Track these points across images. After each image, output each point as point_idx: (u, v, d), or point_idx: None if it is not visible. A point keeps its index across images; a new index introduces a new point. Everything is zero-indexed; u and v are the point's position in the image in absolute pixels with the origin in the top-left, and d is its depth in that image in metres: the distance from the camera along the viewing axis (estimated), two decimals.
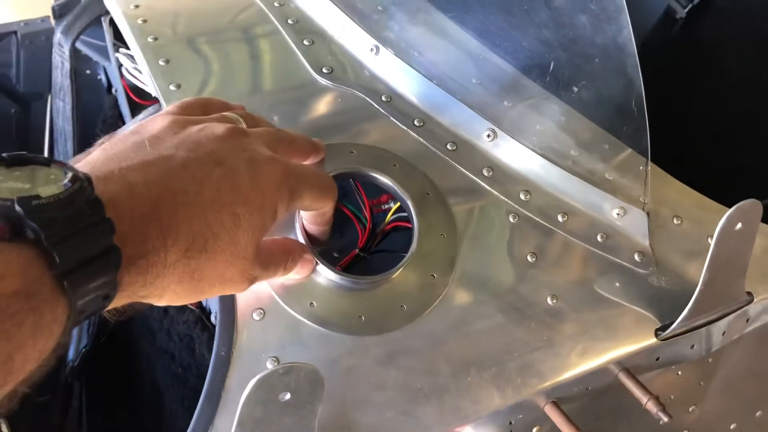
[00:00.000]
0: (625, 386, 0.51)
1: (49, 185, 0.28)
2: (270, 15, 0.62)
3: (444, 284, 0.49)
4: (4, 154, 0.29)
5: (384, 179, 0.51)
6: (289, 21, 0.61)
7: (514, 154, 0.55)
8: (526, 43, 0.54)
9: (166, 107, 0.40)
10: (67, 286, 0.27)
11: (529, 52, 0.54)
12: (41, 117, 1.05)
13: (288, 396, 0.38)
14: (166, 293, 0.33)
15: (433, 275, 0.49)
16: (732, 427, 0.68)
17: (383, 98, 0.56)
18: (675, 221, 0.57)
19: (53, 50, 0.75)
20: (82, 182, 0.28)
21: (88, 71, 1.00)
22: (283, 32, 0.60)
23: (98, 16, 0.74)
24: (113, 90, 0.91)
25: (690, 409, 0.61)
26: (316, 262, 0.46)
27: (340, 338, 0.46)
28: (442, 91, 0.56)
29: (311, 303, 0.46)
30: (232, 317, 0.44)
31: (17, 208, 0.26)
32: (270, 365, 0.44)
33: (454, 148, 0.55)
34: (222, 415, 0.42)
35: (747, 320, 0.57)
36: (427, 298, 0.48)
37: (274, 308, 0.46)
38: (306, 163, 0.46)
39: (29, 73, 1.06)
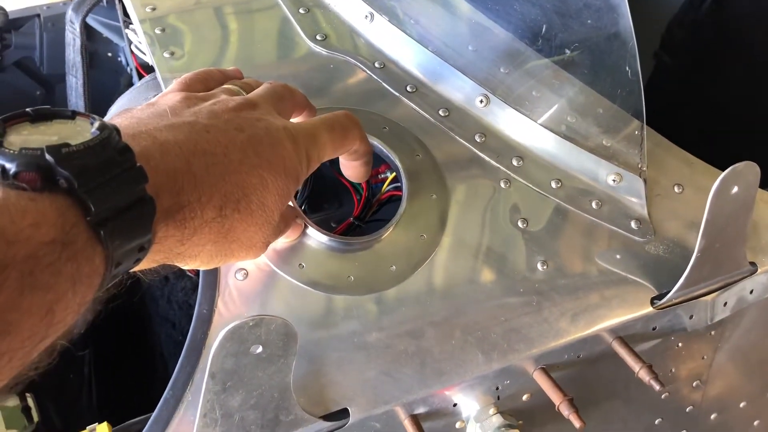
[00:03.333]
0: (618, 355, 0.50)
1: (75, 137, 0.27)
2: None
3: (435, 244, 0.49)
4: (28, 109, 0.28)
5: (374, 141, 0.51)
6: None
7: (507, 120, 0.54)
8: (520, 8, 0.53)
9: (170, 86, 0.40)
10: (104, 234, 0.26)
11: (524, 16, 0.53)
12: (66, 98, 1.07)
13: (260, 349, 0.38)
14: (202, 253, 0.34)
15: (423, 235, 0.49)
16: (742, 405, 0.66)
17: (376, 65, 0.56)
18: (676, 189, 0.56)
19: (66, 28, 0.77)
20: (110, 131, 0.28)
21: (109, 54, 1.02)
22: (279, 1, 0.60)
23: None
24: (128, 69, 0.92)
25: (694, 384, 0.59)
26: (306, 225, 0.47)
27: (326, 298, 0.46)
28: (436, 57, 0.55)
29: (300, 264, 0.46)
30: (215, 275, 0.45)
31: (48, 156, 0.25)
32: None
33: (447, 114, 0.54)
34: (202, 370, 0.43)
35: (751, 291, 0.55)
36: (417, 257, 0.48)
37: (258, 269, 0.46)
38: (303, 117, 0.46)
39: (53, 55, 1.08)
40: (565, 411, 0.46)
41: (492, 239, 0.50)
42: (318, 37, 0.57)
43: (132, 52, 0.79)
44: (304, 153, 0.39)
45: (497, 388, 0.49)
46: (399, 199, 0.56)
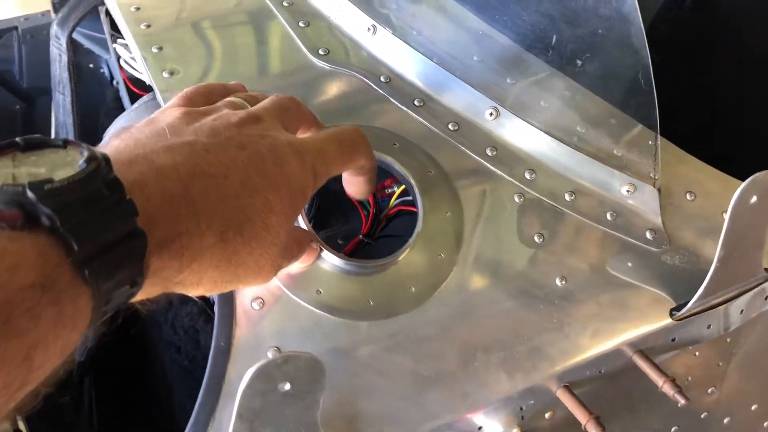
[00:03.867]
0: (640, 369, 0.50)
1: (65, 168, 0.26)
2: None
3: (452, 263, 0.48)
4: (18, 139, 0.27)
5: (385, 159, 0.50)
6: (284, 3, 0.60)
7: (518, 133, 0.53)
8: (527, 17, 0.52)
9: (171, 101, 0.38)
10: (88, 274, 0.25)
11: (531, 26, 0.52)
12: (47, 112, 1.04)
13: (288, 386, 0.36)
14: (204, 280, 0.32)
15: (440, 254, 0.48)
16: (753, 408, 0.66)
17: (382, 79, 0.55)
18: (688, 197, 0.55)
19: (51, 43, 0.75)
20: (98, 162, 0.27)
21: (91, 65, 0.99)
22: (278, 15, 0.59)
23: (94, 6, 0.72)
24: (114, 82, 0.90)
25: (709, 390, 0.59)
26: (321, 249, 0.45)
27: (345, 325, 0.45)
28: (442, 70, 0.54)
29: (318, 290, 0.45)
30: (231, 307, 0.43)
31: (29, 194, 0.24)
32: (271, 355, 0.43)
33: (456, 128, 0.53)
34: (223, 406, 0.41)
35: (766, 297, 0.55)
36: (435, 278, 0.47)
37: (274, 297, 0.45)
38: (309, 133, 0.45)
39: (32, 68, 1.05)
40: (593, 431, 0.46)
41: (509, 256, 0.49)
42: (320, 51, 0.56)
43: (120, 66, 0.77)
44: (311, 169, 0.37)
45: (521, 408, 0.48)
46: (407, 213, 0.54)
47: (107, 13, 0.74)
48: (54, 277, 0.24)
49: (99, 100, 0.98)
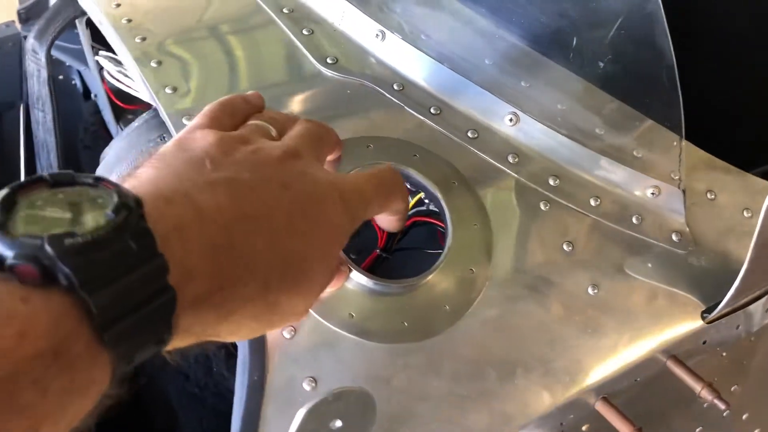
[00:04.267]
0: (674, 374, 0.49)
1: (93, 211, 0.24)
2: (263, 5, 0.57)
3: (484, 278, 0.46)
4: (46, 174, 0.24)
5: (408, 172, 0.48)
6: (284, 10, 0.57)
7: (539, 138, 0.51)
8: (545, 18, 0.51)
9: (195, 120, 0.35)
10: (107, 339, 0.22)
11: (548, 27, 0.51)
12: (14, 127, 0.99)
13: (339, 423, 0.34)
14: (241, 330, 0.30)
15: (471, 269, 0.46)
16: None
17: (395, 87, 0.53)
18: (708, 196, 0.54)
19: (26, 57, 0.70)
20: (129, 210, 0.24)
21: (60, 76, 0.95)
22: (279, 23, 0.56)
23: (73, 18, 0.68)
24: (92, 95, 0.86)
25: (732, 389, 0.59)
26: (349, 269, 0.43)
27: (381, 349, 0.42)
28: (457, 75, 0.52)
29: (350, 314, 0.43)
30: (262, 338, 0.41)
31: (48, 249, 0.21)
32: (307, 386, 0.40)
33: (476, 135, 0.51)
34: None
35: None
36: (468, 294, 0.45)
37: (305, 323, 0.42)
38: (332, 157, 0.42)
39: None
40: None
41: (540, 266, 0.48)
42: (329, 60, 0.53)
43: (103, 78, 0.73)
44: (351, 212, 0.35)
45: (561, 424, 0.46)
46: (423, 224, 0.53)
47: (88, 23, 0.71)
48: (68, 344, 0.21)
49: (73, 114, 0.94)
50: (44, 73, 0.69)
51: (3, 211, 0.23)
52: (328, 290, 0.43)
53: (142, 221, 0.24)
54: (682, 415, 0.56)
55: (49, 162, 0.74)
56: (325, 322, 0.42)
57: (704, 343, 0.51)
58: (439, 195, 0.47)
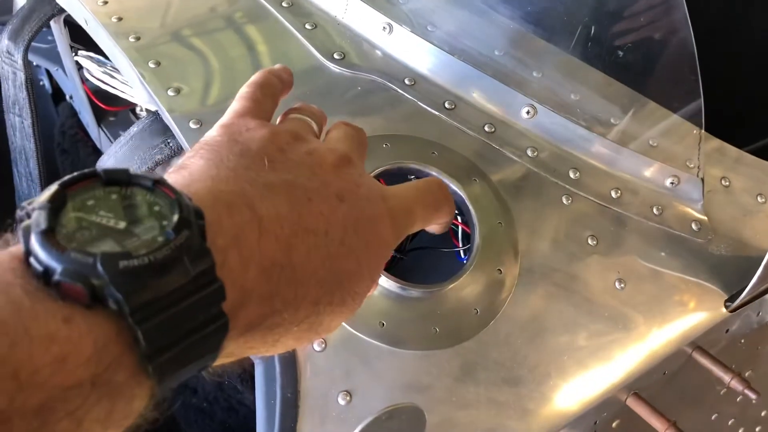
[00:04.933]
0: (701, 365, 0.49)
1: (150, 222, 0.21)
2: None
3: (513, 278, 0.44)
4: (99, 170, 0.22)
5: (428, 171, 0.46)
6: (284, 4, 0.54)
7: (557, 130, 0.50)
8: (559, 6, 0.49)
9: (235, 105, 0.32)
10: (152, 369, 0.20)
11: (565, 16, 0.49)
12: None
13: None
14: (278, 347, 0.27)
15: (499, 270, 0.44)
16: None
17: (407, 81, 0.51)
18: (723, 183, 0.54)
19: (1, 59, 0.66)
20: (189, 228, 0.22)
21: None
22: (279, 17, 0.54)
23: (50, 16, 0.65)
24: (67, 97, 0.81)
25: (746, 374, 0.59)
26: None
27: (415, 357, 0.41)
28: (470, 67, 0.50)
29: (381, 323, 0.41)
30: (292, 353, 0.39)
31: (100, 269, 0.19)
32: (342, 401, 0.39)
33: (493, 129, 0.50)
34: None
35: None
36: (498, 296, 0.44)
37: (336, 335, 0.40)
38: None
39: None
40: None
41: (567, 263, 0.47)
42: (336, 56, 0.51)
43: (83, 79, 0.69)
44: (399, 231, 0.33)
45: (595, 423, 0.45)
46: None
47: (66, 22, 0.67)
48: (110, 374, 0.19)
49: (44, 117, 0.89)
50: (21, 76, 0.65)
51: (52, 212, 0.20)
52: None
53: (203, 242, 0.22)
54: (704, 406, 0.55)
55: (28, 170, 0.70)
56: (356, 332, 0.40)
57: (727, 332, 0.51)
58: (461, 193, 0.45)
